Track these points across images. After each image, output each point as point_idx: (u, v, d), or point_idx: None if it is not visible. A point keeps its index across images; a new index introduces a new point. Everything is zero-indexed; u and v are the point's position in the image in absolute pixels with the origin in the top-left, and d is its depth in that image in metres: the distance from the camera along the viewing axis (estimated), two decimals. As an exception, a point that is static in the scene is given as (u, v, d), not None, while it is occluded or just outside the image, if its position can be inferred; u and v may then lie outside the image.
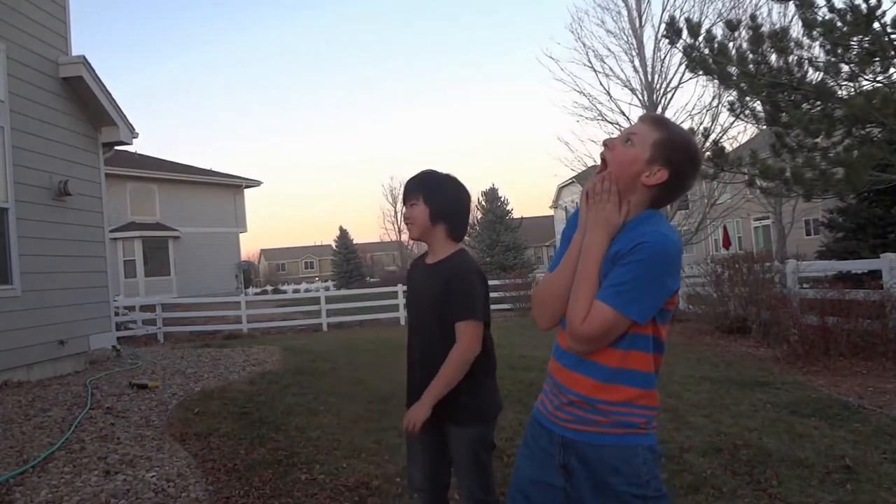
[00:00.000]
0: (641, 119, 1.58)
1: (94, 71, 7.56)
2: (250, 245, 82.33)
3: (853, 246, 10.90)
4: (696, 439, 3.92)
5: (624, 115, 14.83)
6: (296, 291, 35.65)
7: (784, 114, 7.45)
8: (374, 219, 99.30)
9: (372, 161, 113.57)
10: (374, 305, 15.79)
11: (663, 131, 1.50)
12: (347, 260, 43.28)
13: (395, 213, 53.57)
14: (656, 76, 14.49)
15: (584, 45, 20.73)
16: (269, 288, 43.27)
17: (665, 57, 14.35)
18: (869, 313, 6.27)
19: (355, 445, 4.10)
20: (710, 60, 7.44)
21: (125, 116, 8.23)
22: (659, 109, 14.27)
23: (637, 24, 14.58)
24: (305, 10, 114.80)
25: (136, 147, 22.77)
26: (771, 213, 19.89)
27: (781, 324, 7.24)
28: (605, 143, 1.55)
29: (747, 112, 8.30)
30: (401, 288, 15.16)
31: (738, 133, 20.63)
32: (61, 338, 6.84)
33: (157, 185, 23.23)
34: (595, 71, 15.60)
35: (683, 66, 12.75)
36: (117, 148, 8.91)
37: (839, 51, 6.75)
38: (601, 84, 22.28)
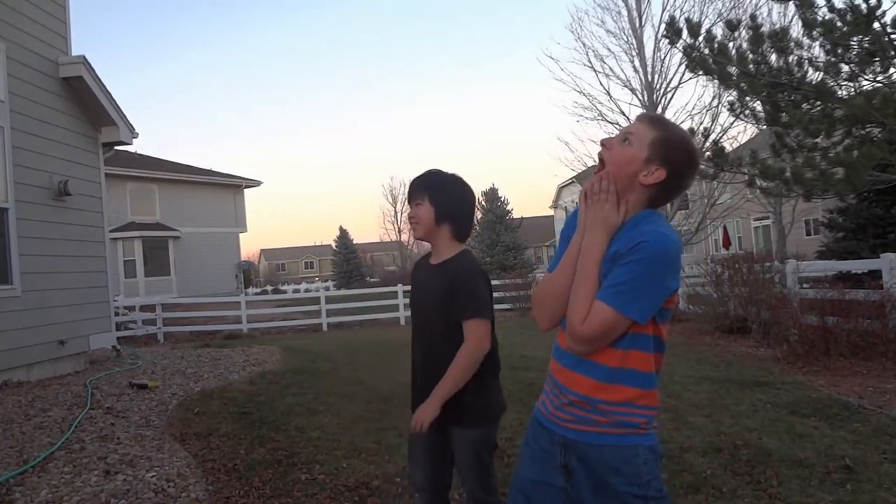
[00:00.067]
0: (639, 118, 1.57)
1: (94, 71, 7.56)
2: (250, 245, 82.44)
3: (853, 246, 10.90)
4: (696, 439, 3.92)
5: (624, 115, 14.84)
6: (296, 291, 35.66)
7: (784, 114, 7.45)
8: (374, 219, 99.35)
9: (372, 161, 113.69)
10: (374, 305, 15.79)
11: (661, 131, 1.50)
12: (347, 260, 43.27)
13: (395, 213, 53.61)
14: (656, 76, 14.50)
15: (584, 45, 20.75)
16: (269, 288, 43.28)
17: (665, 57, 14.38)
18: (869, 313, 6.27)
19: (355, 445, 4.10)
20: (710, 60, 7.44)
21: (125, 116, 8.23)
22: (659, 109, 14.27)
23: (637, 24, 14.59)
24: (305, 10, 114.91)
25: (136, 147, 22.80)
26: (771, 213, 19.90)
27: (781, 324, 7.24)
28: (603, 143, 1.55)
29: (747, 112, 8.30)
30: (401, 288, 15.16)
31: (738, 133, 20.68)
32: (61, 338, 6.84)
33: (157, 185, 23.23)
34: (595, 71, 15.64)
35: (683, 66, 12.76)
36: (117, 148, 8.91)
37: (839, 51, 6.75)
38: (601, 84, 22.30)
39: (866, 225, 10.96)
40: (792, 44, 7.15)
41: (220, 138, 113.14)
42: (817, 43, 7.01)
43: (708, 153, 8.36)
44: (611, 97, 15.26)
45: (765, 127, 8.75)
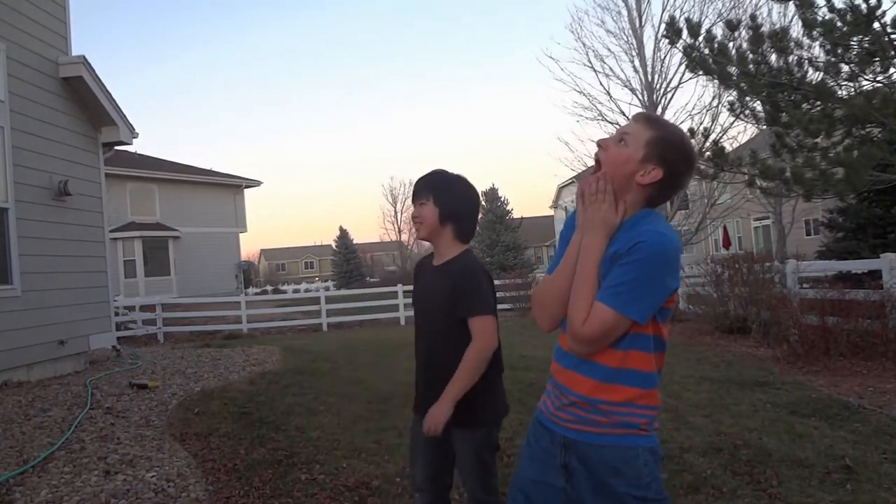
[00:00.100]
0: (634, 118, 1.57)
1: (94, 71, 7.56)
2: (250, 245, 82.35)
3: (853, 246, 10.90)
4: (696, 439, 3.92)
5: (624, 115, 14.82)
6: (296, 291, 35.66)
7: (784, 114, 7.45)
8: (374, 219, 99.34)
9: (372, 161, 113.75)
10: (374, 305, 15.79)
11: (656, 130, 1.50)
12: (347, 260, 43.28)
13: (396, 213, 53.60)
14: (656, 76, 14.50)
15: (584, 45, 20.69)
16: (269, 288, 43.28)
17: (665, 57, 14.37)
18: (869, 313, 6.27)
19: (355, 445, 4.10)
20: (710, 60, 7.44)
21: (125, 116, 8.23)
22: (659, 109, 14.27)
23: (637, 24, 14.59)
24: (305, 10, 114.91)
25: (136, 147, 22.80)
26: (771, 213, 19.90)
27: (781, 324, 7.24)
28: (599, 144, 1.55)
29: (747, 112, 8.30)
30: (401, 288, 15.16)
31: (738, 133, 20.63)
32: (61, 338, 6.84)
33: (157, 185, 23.23)
34: (595, 71, 15.62)
35: (683, 66, 12.76)
36: (117, 148, 8.91)
37: (839, 51, 6.76)
38: (601, 84, 22.28)
39: (866, 225, 10.96)
40: (792, 44, 7.15)
41: (220, 138, 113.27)
42: (817, 43, 7.02)
43: (708, 153, 8.37)
44: (611, 97, 15.28)
45: (765, 127, 8.75)
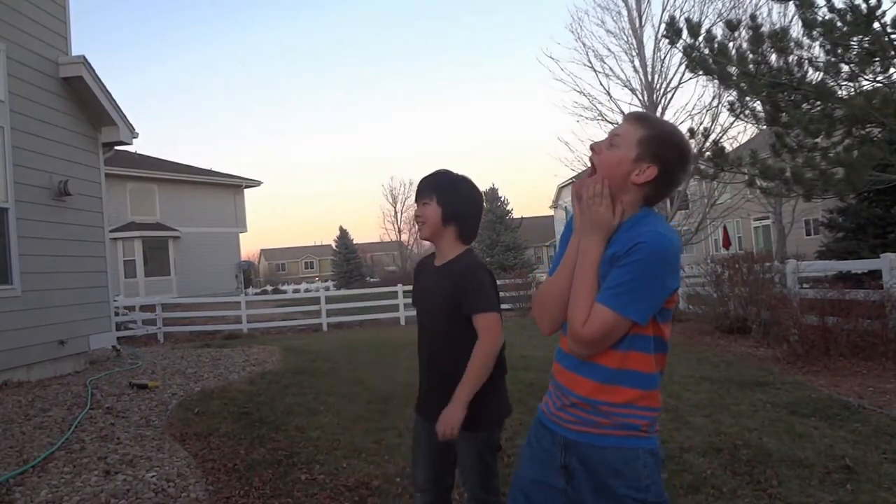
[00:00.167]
0: (625, 118, 1.57)
1: (94, 71, 7.56)
2: (250, 245, 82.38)
3: (853, 246, 10.91)
4: (696, 439, 3.92)
5: (624, 115, 14.80)
6: (296, 291, 35.66)
7: (784, 114, 7.45)
8: (374, 219, 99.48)
9: (372, 161, 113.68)
10: (374, 305, 15.80)
11: (647, 128, 1.50)
12: (347, 260, 43.29)
13: (396, 213, 53.64)
14: (656, 76, 14.48)
15: (584, 45, 20.70)
16: (269, 288, 43.29)
17: (665, 57, 14.35)
18: (869, 313, 6.27)
19: (355, 445, 4.10)
20: (710, 60, 7.44)
21: (125, 116, 8.23)
22: (659, 109, 14.26)
23: (637, 24, 14.58)
24: (305, 10, 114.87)
25: (136, 147, 22.81)
26: (771, 213, 19.90)
27: (781, 324, 7.25)
28: (592, 148, 1.55)
29: (747, 112, 8.30)
30: (401, 288, 15.15)
31: (738, 133, 20.61)
32: (61, 338, 6.84)
33: (157, 185, 23.24)
34: (595, 71, 15.60)
35: (683, 66, 12.74)
36: (117, 148, 8.90)
37: (839, 51, 6.76)
38: (601, 84, 22.28)
39: (866, 225, 10.97)
40: (792, 44, 7.16)
41: (220, 138, 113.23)
42: (817, 43, 7.02)
43: (708, 153, 8.37)
44: (611, 97, 15.25)
45: (765, 127, 8.75)
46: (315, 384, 6.31)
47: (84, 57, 7.42)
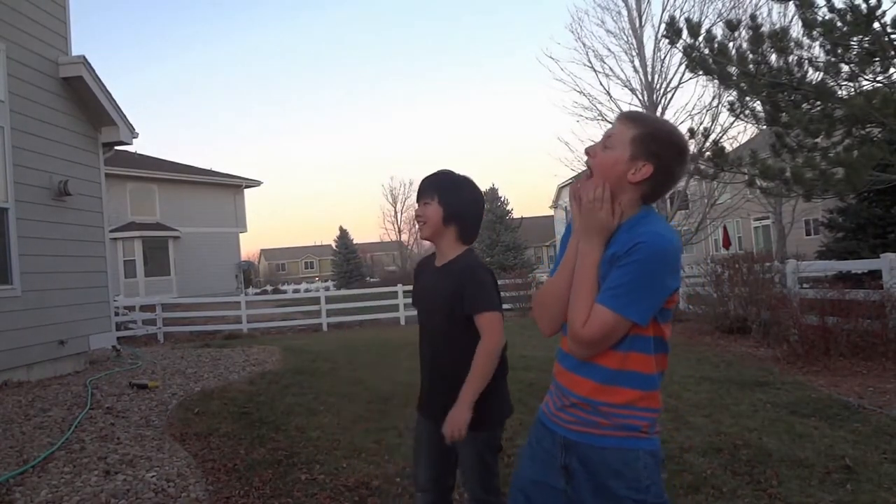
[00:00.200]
0: (618, 118, 1.57)
1: (94, 71, 7.56)
2: (250, 245, 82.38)
3: (853, 246, 10.90)
4: (696, 439, 3.92)
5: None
6: (296, 291, 35.66)
7: (784, 114, 7.45)
8: (374, 219, 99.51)
9: (372, 161, 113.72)
10: (374, 305, 15.80)
11: (640, 127, 1.50)
12: (347, 260, 43.30)
13: (395, 213, 53.67)
14: (656, 76, 14.50)
15: (584, 45, 20.74)
16: (269, 288, 43.27)
17: (665, 57, 14.37)
18: (869, 313, 6.27)
19: (355, 445, 4.10)
20: (710, 60, 7.44)
21: (125, 116, 8.23)
22: (659, 109, 14.27)
23: (637, 24, 14.60)
24: (305, 10, 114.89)
25: (136, 147, 22.81)
26: (771, 213, 19.90)
27: (781, 324, 7.25)
28: (587, 152, 1.55)
29: (747, 112, 8.30)
30: (401, 288, 15.15)
31: (738, 133, 20.65)
32: (61, 338, 6.84)
33: (157, 185, 23.24)
34: (595, 71, 15.64)
35: (683, 66, 12.75)
36: (117, 148, 8.90)
37: (839, 51, 6.76)
38: (601, 84, 22.29)
39: (866, 225, 10.97)
40: (792, 44, 7.16)
41: (220, 138, 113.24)
42: (817, 43, 7.02)
43: (708, 153, 8.37)
44: (611, 97, 15.27)
45: (765, 127, 8.75)
46: (315, 384, 6.31)
47: (84, 57, 7.42)
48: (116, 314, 10.03)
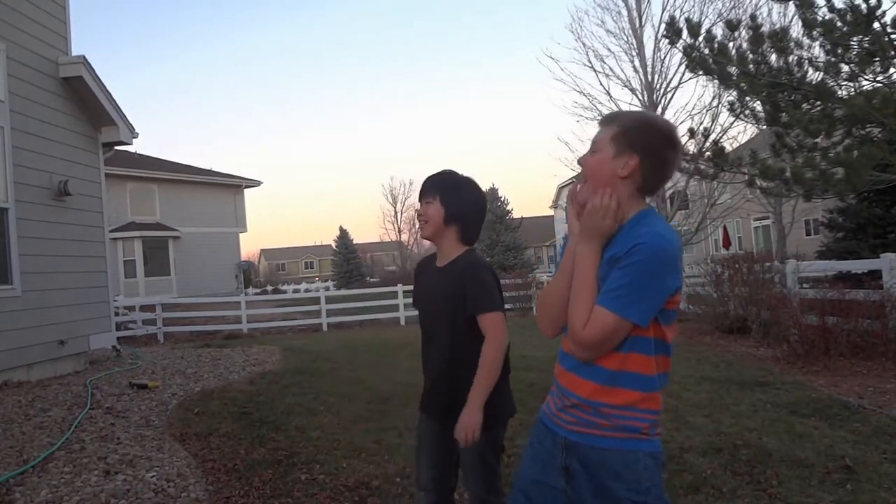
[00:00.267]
0: (599, 123, 1.61)
1: (94, 71, 7.56)
2: (250, 245, 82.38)
3: (853, 246, 10.91)
4: (696, 439, 3.92)
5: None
6: (296, 291, 35.63)
7: (784, 114, 7.45)
8: (374, 219, 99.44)
9: (372, 161, 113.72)
10: (374, 305, 15.79)
11: (617, 124, 1.54)
12: (347, 260, 43.29)
13: (396, 213, 53.66)
14: (656, 76, 14.48)
15: (584, 45, 20.66)
16: (269, 288, 43.24)
17: (665, 57, 14.34)
18: (869, 313, 6.27)
19: (355, 445, 4.10)
20: (710, 60, 7.44)
21: (125, 116, 8.23)
22: (659, 109, 14.26)
23: (637, 24, 14.58)
24: (305, 10, 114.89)
25: (136, 147, 22.82)
26: (771, 213, 19.89)
27: (781, 324, 7.25)
28: (579, 162, 1.59)
29: (747, 112, 8.30)
30: (401, 288, 15.14)
31: (738, 133, 20.62)
32: (61, 338, 6.84)
33: (157, 185, 23.23)
34: (595, 71, 15.59)
35: (683, 66, 12.73)
36: (117, 148, 8.90)
37: (839, 51, 6.75)
38: (601, 84, 22.29)
39: (866, 225, 10.97)
40: (792, 44, 7.15)
41: (220, 138, 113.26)
42: (817, 43, 7.02)
43: (708, 153, 8.37)
44: (611, 97, 15.20)
45: (765, 127, 8.75)
46: (315, 384, 6.31)
47: (84, 57, 7.42)
48: (116, 314, 10.03)
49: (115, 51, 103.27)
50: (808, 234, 21.78)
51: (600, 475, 1.46)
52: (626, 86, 14.84)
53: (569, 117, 49.94)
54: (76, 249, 7.36)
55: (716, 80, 8.49)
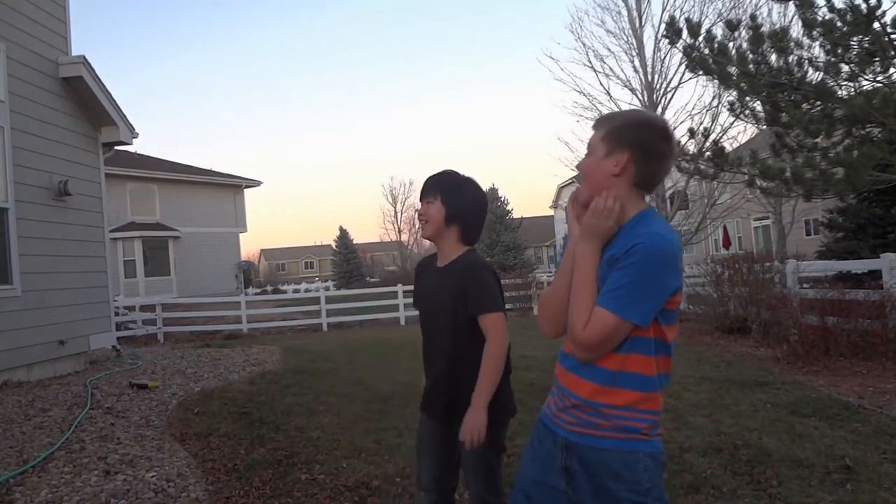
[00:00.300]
0: (592, 127, 1.63)
1: (94, 71, 7.56)
2: (250, 245, 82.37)
3: (853, 246, 10.91)
4: (696, 439, 3.92)
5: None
6: (296, 291, 35.63)
7: (784, 114, 7.45)
8: (374, 219, 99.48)
9: (372, 161, 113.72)
10: (374, 305, 15.80)
11: (605, 125, 1.56)
12: (347, 260, 43.28)
13: (396, 213, 53.66)
14: (656, 76, 14.48)
15: (584, 45, 20.65)
16: (269, 288, 43.23)
17: (665, 57, 14.34)
18: (869, 313, 6.27)
19: (355, 445, 4.10)
20: (710, 60, 7.45)
21: (125, 116, 8.23)
22: (659, 109, 14.26)
23: (637, 24, 14.58)
24: (305, 10, 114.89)
25: (136, 147, 22.81)
26: (771, 213, 19.89)
27: (781, 324, 7.25)
28: (577, 168, 1.63)
29: (747, 112, 8.31)
30: (401, 288, 15.15)
31: (738, 133, 20.63)
32: (61, 338, 6.84)
33: (157, 185, 23.23)
34: (595, 71, 15.59)
35: (683, 66, 12.73)
36: (117, 148, 8.90)
37: (839, 51, 6.76)
38: (601, 84, 22.29)
39: (866, 225, 10.97)
40: (792, 44, 7.16)
41: (220, 138, 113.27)
42: (817, 43, 7.02)
43: (708, 153, 8.37)
44: (611, 97, 15.19)
45: (765, 127, 8.75)
46: (315, 384, 6.31)
47: (84, 57, 7.42)
48: (116, 314, 10.03)
49: (115, 51, 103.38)
50: (808, 234, 21.78)
51: (600, 476, 1.46)
52: (626, 86, 14.85)
53: (569, 117, 49.89)
54: (76, 249, 7.36)
55: (716, 80, 8.50)
